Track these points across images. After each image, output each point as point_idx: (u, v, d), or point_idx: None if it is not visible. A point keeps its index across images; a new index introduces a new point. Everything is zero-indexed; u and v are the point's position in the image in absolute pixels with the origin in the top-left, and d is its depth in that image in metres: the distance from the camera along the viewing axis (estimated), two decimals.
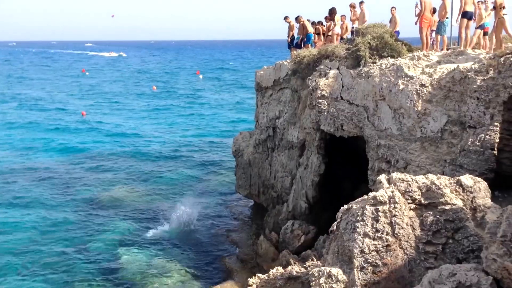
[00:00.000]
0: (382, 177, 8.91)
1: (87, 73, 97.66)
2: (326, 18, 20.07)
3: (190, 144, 37.10)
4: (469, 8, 14.47)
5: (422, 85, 12.18)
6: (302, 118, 17.10)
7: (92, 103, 59.31)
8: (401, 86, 12.58)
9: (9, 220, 21.98)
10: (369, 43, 15.38)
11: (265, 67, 22.01)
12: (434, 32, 16.08)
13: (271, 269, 11.92)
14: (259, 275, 11.92)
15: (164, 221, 21.46)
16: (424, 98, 12.10)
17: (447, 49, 15.10)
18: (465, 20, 14.49)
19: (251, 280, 11.82)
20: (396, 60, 13.85)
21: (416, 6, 15.45)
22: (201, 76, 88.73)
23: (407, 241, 7.93)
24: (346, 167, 16.95)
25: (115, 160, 32.59)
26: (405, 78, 12.64)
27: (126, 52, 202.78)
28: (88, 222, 21.69)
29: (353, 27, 19.50)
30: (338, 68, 15.68)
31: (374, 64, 14.38)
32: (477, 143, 10.78)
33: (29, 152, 35.11)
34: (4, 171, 29.68)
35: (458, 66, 11.91)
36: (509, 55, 10.86)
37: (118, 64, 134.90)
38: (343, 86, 14.88)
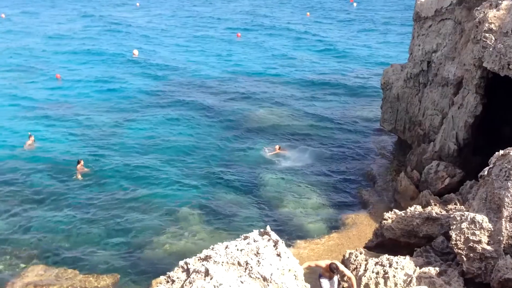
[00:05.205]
0: None
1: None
2: None
3: (334, 72, 36.37)
4: None
5: None
6: (463, 53, 15.71)
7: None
8: None
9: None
10: None
11: None
12: None
13: (409, 207, 11.72)
14: (396, 210, 11.82)
15: (304, 147, 22.04)
16: None
17: None
18: None
19: (387, 215, 11.79)
20: None
21: None
22: (355, 4, 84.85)
23: None
24: (507, 110, 15.45)
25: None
26: None
27: None
28: (229, 144, 23.18)
29: None
30: None
31: None
32: None
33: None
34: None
35: None
36: None
37: None
38: None
